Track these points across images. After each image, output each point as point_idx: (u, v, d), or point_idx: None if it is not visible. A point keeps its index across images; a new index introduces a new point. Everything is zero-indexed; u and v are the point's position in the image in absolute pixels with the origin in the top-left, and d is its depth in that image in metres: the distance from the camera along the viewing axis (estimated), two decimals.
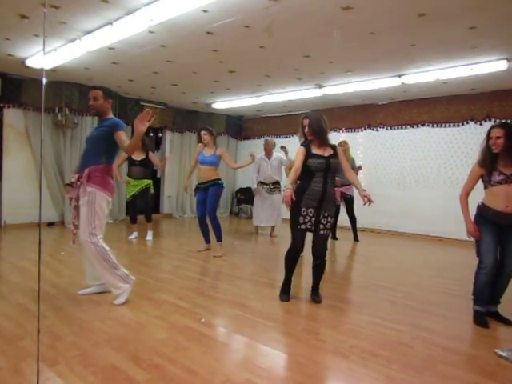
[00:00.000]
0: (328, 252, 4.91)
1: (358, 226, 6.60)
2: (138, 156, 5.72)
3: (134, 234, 6.06)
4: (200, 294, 3.48)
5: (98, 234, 3.05)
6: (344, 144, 6.50)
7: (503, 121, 6.20)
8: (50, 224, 6.94)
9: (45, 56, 5.06)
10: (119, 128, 3.10)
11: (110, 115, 3.21)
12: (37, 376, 1.82)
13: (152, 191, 6.05)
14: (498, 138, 2.90)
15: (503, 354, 2.42)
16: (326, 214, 3.26)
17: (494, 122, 6.25)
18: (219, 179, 5.03)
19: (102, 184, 3.06)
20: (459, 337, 2.87)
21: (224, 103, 8.18)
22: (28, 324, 2.65)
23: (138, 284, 3.65)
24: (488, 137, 2.97)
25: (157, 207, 9.25)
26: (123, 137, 3.07)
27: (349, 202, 6.45)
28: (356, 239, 6.50)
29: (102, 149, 3.11)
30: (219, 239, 5.07)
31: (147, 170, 5.87)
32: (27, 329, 2.57)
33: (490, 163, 2.96)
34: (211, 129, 5.14)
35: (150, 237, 6.01)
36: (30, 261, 4.38)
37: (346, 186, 6.38)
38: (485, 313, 3.02)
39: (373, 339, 2.63)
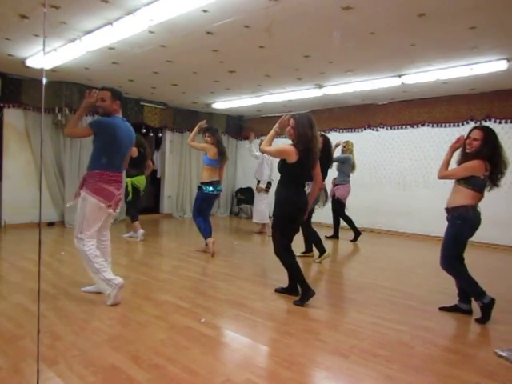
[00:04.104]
0: (329, 253, 4.98)
1: (358, 225, 6.56)
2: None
3: (129, 234, 6.18)
4: (200, 294, 3.48)
5: (85, 238, 3.06)
6: (345, 144, 6.52)
7: (503, 121, 6.24)
8: (50, 224, 6.94)
9: (45, 56, 5.06)
10: (90, 123, 3.15)
11: (114, 116, 3.19)
12: (37, 376, 1.82)
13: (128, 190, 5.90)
14: (475, 139, 2.99)
15: (503, 353, 2.42)
16: None
17: (494, 122, 6.27)
18: (202, 183, 5.05)
19: (93, 189, 3.04)
20: (459, 337, 2.88)
21: (224, 103, 8.17)
22: (28, 324, 2.65)
23: (138, 284, 3.66)
24: (467, 136, 3.03)
25: (157, 207, 9.26)
26: (83, 128, 3.21)
27: (335, 204, 6.42)
28: (355, 237, 6.47)
29: (95, 153, 3.13)
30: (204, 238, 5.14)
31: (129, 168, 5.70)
32: (27, 329, 2.58)
33: (460, 161, 3.10)
34: (214, 129, 5.16)
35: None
36: (30, 261, 4.38)
37: (337, 185, 6.38)
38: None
39: (373, 339, 2.63)
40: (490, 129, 3.05)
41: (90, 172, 3.11)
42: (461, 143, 3.12)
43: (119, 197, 3.20)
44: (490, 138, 2.95)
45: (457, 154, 3.20)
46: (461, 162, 3.10)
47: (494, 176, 2.96)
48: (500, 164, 2.94)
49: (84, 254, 3.06)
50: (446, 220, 3.13)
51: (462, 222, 2.98)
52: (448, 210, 3.09)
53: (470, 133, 3.05)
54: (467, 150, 3.03)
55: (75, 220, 3.13)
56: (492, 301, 2.99)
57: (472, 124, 6.44)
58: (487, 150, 2.93)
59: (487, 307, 2.98)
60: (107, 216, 3.19)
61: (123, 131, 3.18)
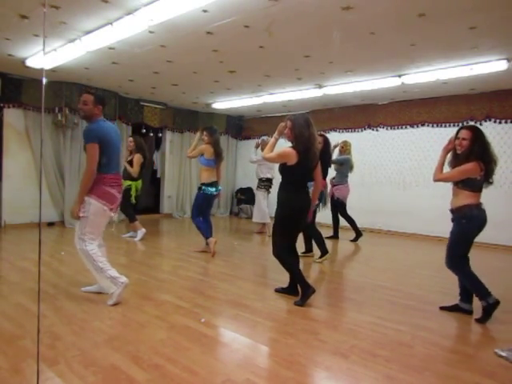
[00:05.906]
0: (329, 254, 4.98)
1: (358, 225, 6.52)
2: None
3: (129, 233, 6.20)
4: (200, 294, 3.48)
5: (87, 239, 3.07)
6: (343, 145, 6.50)
7: (503, 121, 6.23)
8: (50, 224, 6.93)
9: (45, 56, 5.06)
10: (88, 140, 3.01)
11: (97, 120, 3.13)
12: (37, 376, 1.82)
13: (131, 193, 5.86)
14: (463, 139, 3.00)
15: (503, 353, 2.42)
16: None
17: (494, 122, 6.26)
18: (202, 183, 5.06)
19: (98, 193, 3.04)
20: (459, 337, 2.88)
21: (224, 103, 8.17)
22: (28, 324, 2.65)
23: (137, 284, 3.66)
24: (456, 137, 3.05)
25: (157, 207, 9.26)
26: (91, 151, 2.97)
27: (336, 205, 6.36)
28: (356, 237, 6.44)
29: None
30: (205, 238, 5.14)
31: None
32: (27, 329, 2.58)
33: (452, 163, 3.11)
34: (212, 129, 5.16)
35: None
36: (30, 261, 4.38)
37: (336, 186, 6.34)
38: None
39: (373, 339, 2.63)
40: (477, 127, 3.10)
41: None
42: (453, 144, 3.13)
43: (120, 200, 3.25)
44: (478, 136, 2.97)
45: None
46: (453, 163, 3.11)
47: (487, 174, 2.98)
48: (491, 162, 2.97)
49: (87, 254, 3.06)
50: (451, 221, 3.13)
51: (467, 220, 2.99)
52: (452, 211, 3.11)
53: (457, 134, 3.07)
54: (458, 151, 3.05)
55: (78, 221, 3.10)
56: (496, 302, 2.97)
57: (472, 124, 6.45)
58: (477, 148, 2.94)
59: (490, 307, 2.97)
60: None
61: (112, 132, 3.18)
